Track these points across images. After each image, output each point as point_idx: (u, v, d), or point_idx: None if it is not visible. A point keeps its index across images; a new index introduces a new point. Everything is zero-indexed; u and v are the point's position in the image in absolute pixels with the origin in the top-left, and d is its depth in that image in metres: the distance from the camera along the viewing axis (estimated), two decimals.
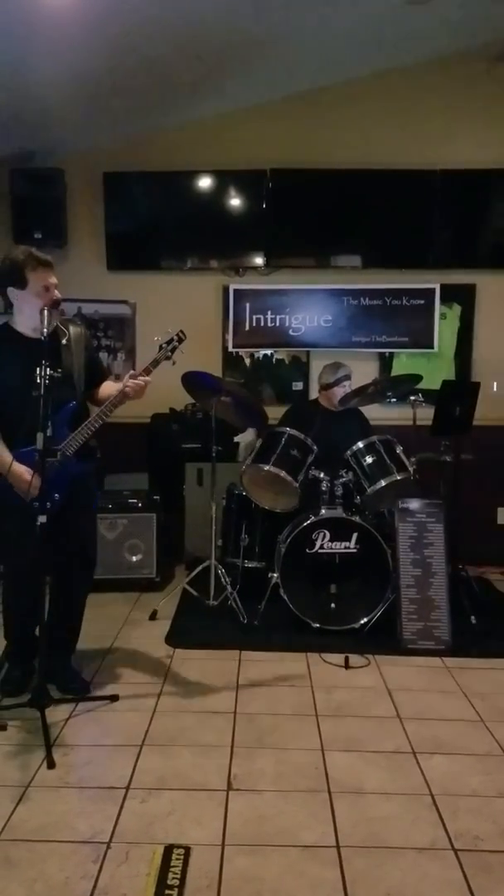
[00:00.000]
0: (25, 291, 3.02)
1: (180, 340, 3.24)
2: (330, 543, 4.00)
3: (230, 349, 5.54)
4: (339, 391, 4.56)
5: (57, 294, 3.05)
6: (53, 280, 3.04)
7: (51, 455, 2.87)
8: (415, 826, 2.36)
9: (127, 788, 2.55)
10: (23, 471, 2.97)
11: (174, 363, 3.26)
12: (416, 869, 2.15)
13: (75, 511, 3.15)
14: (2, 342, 3.12)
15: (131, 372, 3.18)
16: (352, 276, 5.47)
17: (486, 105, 5.33)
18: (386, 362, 5.56)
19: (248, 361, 5.60)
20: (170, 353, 3.22)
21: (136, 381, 3.11)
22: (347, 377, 4.60)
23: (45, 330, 2.90)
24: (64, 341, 3.17)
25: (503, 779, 2.64)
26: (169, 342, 3.22)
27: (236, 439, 5.24)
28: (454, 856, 2.21)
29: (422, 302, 5.43)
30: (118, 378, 3.49)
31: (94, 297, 5.45)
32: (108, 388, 3.26)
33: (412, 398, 4.38)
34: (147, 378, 3.14)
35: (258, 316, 5.49)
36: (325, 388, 4.66)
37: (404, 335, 5.47)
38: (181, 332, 3.25)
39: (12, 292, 3.06)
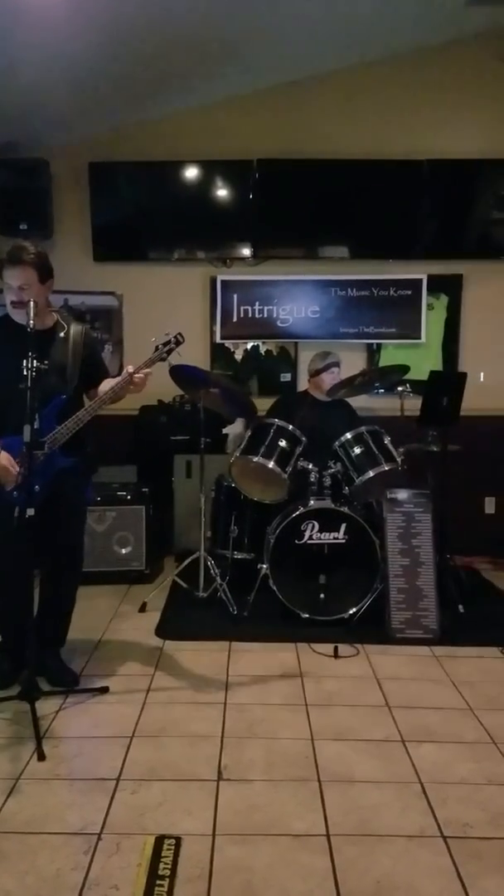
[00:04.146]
0: (2, 284, 3.04)
1: (177, 343, 3.25)
2: (319, 534, 4.01)
3: (218, 340, 5.53)
4: (328, 377, 4.57)
5: (12, 296, 2.98)
6: (16, 280, 2.97)
7: (37, 447, 2.86)
8: (404, 814, 2.38)
9: (117, 780, 2.55)
10: (7, 459, 2.96)
11: (170, 366, 3.28)
12: (406, 856, 2.17)
13: (61, 505, 3.13)
14: None
15: (128, 367, 3.15)
16: (339, 267, 5.46)
17: (473, 95, 5.33)
18: (373, 353, 5.56)
19: (236, 353, 5.59)
20: (165, 355, 3.24)
21: (138, 374, 3.10)
22: (336, 364, 4.61)
23: (31, 322, 2.89)
24: (61, 335, 3.17)
25: (492, 766, 2.67)
26: (166, 343, 3.23)
27: (225, 431, 5.24)
28: (444, 843, 2.23)
29: (409, 292, 5.43)
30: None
31: (81, 289, 5.42)
32: (106, 384, 3.24)
33: (400, 389, 4.39)
34: (147, 370, 3.14)
35: (246, 307, 5.47)
36: (313, 374, 4.68)
37: (392, 326, 5.47)
38: (179, 334, 3.25)
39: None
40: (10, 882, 2.05)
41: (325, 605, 3.98)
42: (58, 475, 3.07)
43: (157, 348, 3.23)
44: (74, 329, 3.22)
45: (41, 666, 3.12)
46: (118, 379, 3.15)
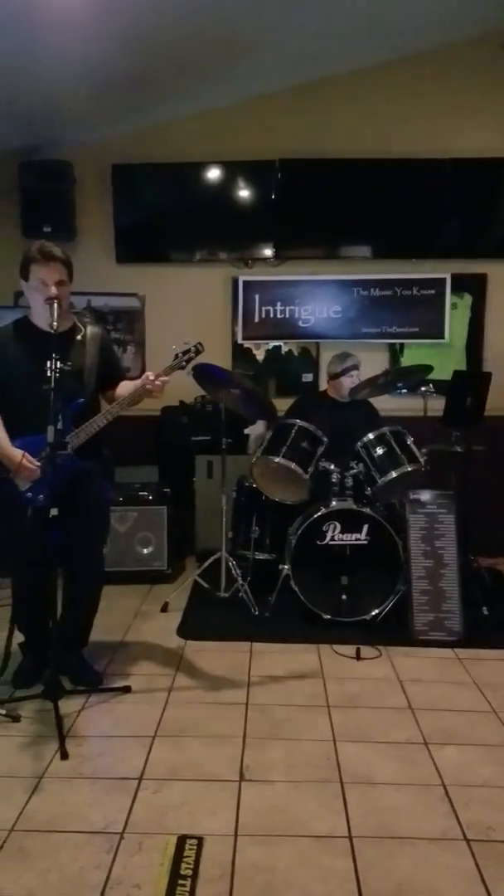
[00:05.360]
0: (28, 284, 3.06)
1: (197, 352, 3.24)
2: (341, 535, 3.99)
3: (239, 341, 5.53)
4: (347, 381, 4.55)
5: (52, 291, 2.97)
6: (53, 276, 2.99)
7: (61, 448, 2.87)
8: (426, 816, 2.37)
9: (140, 779, 2.56)
10: (14, 452, 2.98)
11: (189, 373, 3.28)
12: (428, 859, 2.16)
13: (83, 507, 3.13)
14: (17, 335, 3.15)
15: (148, 374, 3.15)
16: (361, 267, 5.45)
17: (496, 93, 5.28)
18: (396, 353, 5.54)
19: (258, 353, 5.59)
20: (185, 363, 3.23)
21: (155, 384, 3.10)
22: (355, 367, 4.58)
23: (54, 323, 2.91)
24: (79, 337, 3.18)
25: None
26: (185, 352, 3.22)
27: (246, 431, 5.23)
28: (466, 846, 2.21)
29: (432, 292, 5.40)
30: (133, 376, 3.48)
31: (104, 290, 5.45)
32: (125, 386, 3.25)
33: (423, 389, 4.37)
34: (165, 378, 3.14)
35: (267, 308, 5.47)
36: (332, 377, 4.66)
37: (415, 326, 5.44)
38: (199, 343, 3.24)
39: (22, 284, 3.10)
40: (33, 880, 2.06)
41: (347, 606, 3.97)
42: (75, 477, 3.08)
43: (176, 356, 3.22)
44: (91, 331, 3.23)
45: (64, 665, 3.14)
46: (136, 383, 3.16)
